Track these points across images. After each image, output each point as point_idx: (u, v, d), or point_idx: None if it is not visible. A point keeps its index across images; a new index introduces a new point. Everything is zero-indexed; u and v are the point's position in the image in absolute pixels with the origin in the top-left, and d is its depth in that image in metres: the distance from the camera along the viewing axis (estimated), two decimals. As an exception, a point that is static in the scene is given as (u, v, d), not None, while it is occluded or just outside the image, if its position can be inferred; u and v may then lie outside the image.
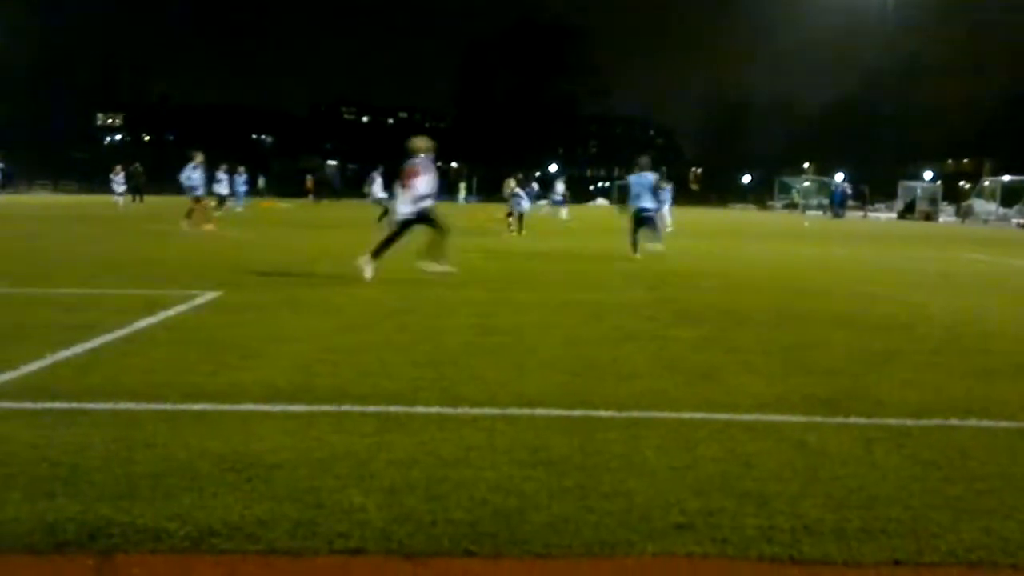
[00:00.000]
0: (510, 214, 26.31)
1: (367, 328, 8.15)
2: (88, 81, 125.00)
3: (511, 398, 5.47)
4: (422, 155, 12.66)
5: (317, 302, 9.89)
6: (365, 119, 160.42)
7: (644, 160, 18.19)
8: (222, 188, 34.85)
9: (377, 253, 12.40)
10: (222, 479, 3.89)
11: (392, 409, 5.14)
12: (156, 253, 16.63)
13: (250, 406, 5.16)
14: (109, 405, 5.11)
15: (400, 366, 6.38)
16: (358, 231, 24.25)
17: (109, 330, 7.53)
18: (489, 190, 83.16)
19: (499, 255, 17.91)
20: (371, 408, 5.14)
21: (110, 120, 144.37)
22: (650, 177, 17.74)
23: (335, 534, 3.34)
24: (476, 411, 5.15)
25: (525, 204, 26.15)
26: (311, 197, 65.92)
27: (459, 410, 5.17)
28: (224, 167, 36.06)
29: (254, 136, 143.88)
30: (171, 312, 8.78)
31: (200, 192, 24.53)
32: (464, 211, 50.49)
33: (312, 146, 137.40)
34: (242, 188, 43.62)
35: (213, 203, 29.73)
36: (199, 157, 24.31)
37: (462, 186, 75.52)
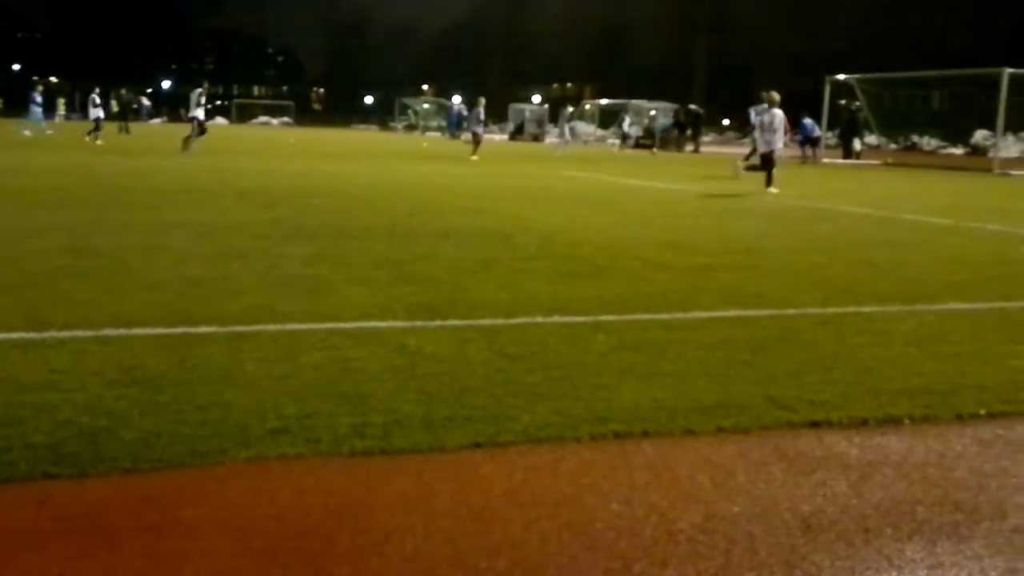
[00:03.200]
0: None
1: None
2: None
3: (106, 319, 5.20)
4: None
5: None
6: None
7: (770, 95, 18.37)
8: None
9: (768, 180, 16.98)
10: None
11: (-36, 337, 4.70)
12: None
13: None
14: None
15: (-24, 292, 5.82)
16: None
17: None
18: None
19: (104, 174, 16.73)
20: (-61, 337, 4.67)
21: None
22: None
23: None
24: (65, 334, 4.84)
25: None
26: None
27: (45, 334, 4.83)
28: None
29: None
30: None
31: None
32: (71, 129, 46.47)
33: None
34: None
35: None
36: None
37: (61, 102, 68.99)
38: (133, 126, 46.20)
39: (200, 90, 26.78)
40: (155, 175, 17.35)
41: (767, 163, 17.34)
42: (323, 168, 22.13)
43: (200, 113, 26.53)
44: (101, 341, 4.75)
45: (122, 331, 4.96)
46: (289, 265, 7.40)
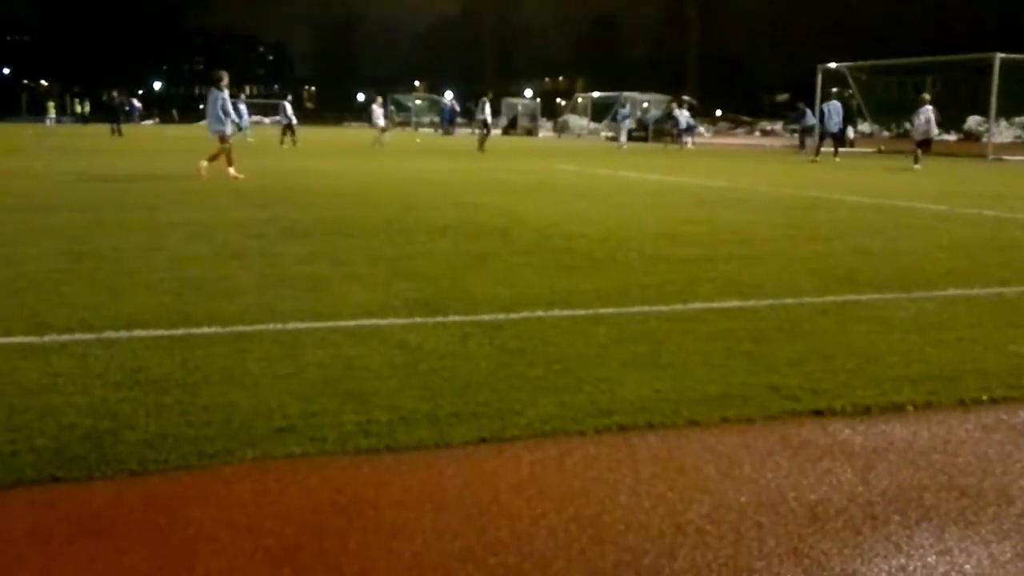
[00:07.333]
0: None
1: (-64, 259, 7.32)
2: None
3: (106, 322, 5.20)
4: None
5: None
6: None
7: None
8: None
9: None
10: None
11: (-35, 342, 4.69)
12: None
13: None
14: None
15: (-25, 297, 5.81)
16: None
17: None
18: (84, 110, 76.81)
19: (100, 177, 16.70)
20: (-60, 343, 4.66)
21: None
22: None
23: None
24: (66, 337, 4.84)
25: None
26: None
27: (46, 338, 4.83)
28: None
29: None
30: None
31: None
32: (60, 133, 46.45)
33: None
34: None
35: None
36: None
37: (51, 105, 68.77)
38: (125, 128, 46.14)
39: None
40: (150, 176, 17.31)
41: None
42: (317, 166, 22.10)
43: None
44: (103, 343, 4.75)
45: (123, 333, 4.96)
46: (287, 264, 7.40)
